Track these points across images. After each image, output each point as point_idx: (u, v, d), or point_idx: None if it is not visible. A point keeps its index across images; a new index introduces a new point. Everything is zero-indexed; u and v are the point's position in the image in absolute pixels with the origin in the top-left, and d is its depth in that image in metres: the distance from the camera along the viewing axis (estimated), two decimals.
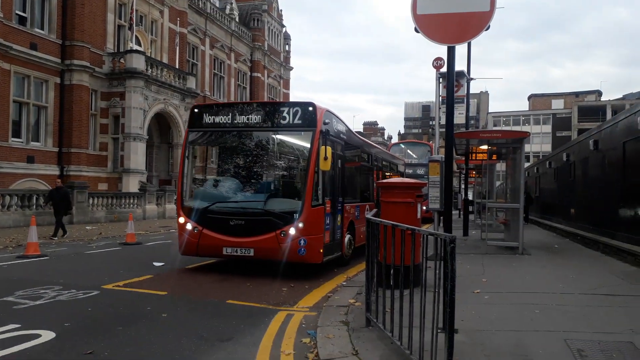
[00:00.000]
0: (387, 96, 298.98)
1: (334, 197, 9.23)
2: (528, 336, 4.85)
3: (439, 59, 13.06)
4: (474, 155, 16.24)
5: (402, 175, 18.78)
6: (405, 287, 4.20)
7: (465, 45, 17.38)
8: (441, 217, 10.24)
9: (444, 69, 12.59)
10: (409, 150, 29.09)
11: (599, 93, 79.17)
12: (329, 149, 8.13)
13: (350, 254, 10.24)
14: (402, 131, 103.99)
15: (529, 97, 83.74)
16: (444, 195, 9.16)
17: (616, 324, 5.30)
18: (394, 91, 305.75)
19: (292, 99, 46.18)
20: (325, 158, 7.99)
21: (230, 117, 8.91)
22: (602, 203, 12.49)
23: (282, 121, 8.59)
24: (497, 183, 33.11)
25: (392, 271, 4.39)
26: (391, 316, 4.40)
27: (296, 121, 8.50)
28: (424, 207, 10.67)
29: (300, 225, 8.07)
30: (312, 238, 8.19)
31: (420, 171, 24.21)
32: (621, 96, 73.80)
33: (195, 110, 9.32)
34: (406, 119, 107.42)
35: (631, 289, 7.26)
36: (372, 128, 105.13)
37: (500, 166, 21.33)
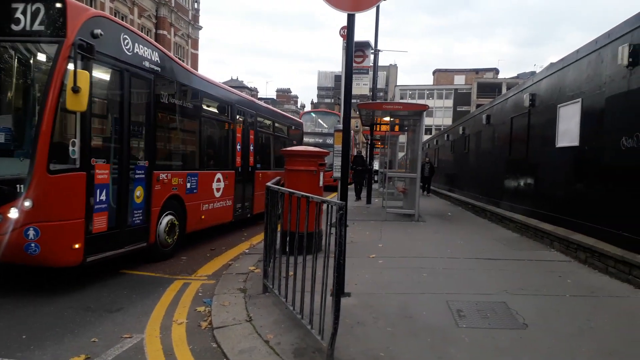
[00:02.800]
0: (302, 63, 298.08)
1: (123, 157, 6.24)
2: (415, 298, 5.16)
3: (345, 27, 13.07)
4: (379, 126, 16.73)
5: (299, 139, 16.34)
6: (300, 253, 4.25)
7: (373, 15, 17.72)
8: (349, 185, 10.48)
9: None
10: (319, 120, 29.33)
11: (496, 71, 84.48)
12: (84, 74, 5.07)
13: (173, 243, 7.50)
14: (316, 100, 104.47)
15: (434, 72, 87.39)
16: (341, 164, 9.37)
17: (494, 286, 5.77)
18: (309, 58, 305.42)
19: (202, 60, 43.45)
20: (76, 90, 4.94)
21: None
22: (491, 174, 13.45)
23: (14, 26, 5.34)
24: (401, 154, 34.52)
25: (287, 238, 4.42)
26: (286, 282, 4.45)
27: (36, 27, 5.31)
28: (332, 176, 10.87)
29: (27, 203, 4.95)
30: (52, 226, 5.07)
31: (330, 140, 24.55)
32: (516, 75, 79.37)
33: None
34: (319, 88, 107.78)
35: (510, 254, 7.93)
36: (285, 95, 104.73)
37: (405, 137, 22.29)
